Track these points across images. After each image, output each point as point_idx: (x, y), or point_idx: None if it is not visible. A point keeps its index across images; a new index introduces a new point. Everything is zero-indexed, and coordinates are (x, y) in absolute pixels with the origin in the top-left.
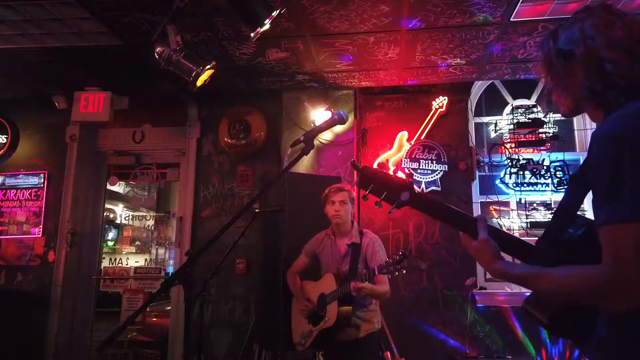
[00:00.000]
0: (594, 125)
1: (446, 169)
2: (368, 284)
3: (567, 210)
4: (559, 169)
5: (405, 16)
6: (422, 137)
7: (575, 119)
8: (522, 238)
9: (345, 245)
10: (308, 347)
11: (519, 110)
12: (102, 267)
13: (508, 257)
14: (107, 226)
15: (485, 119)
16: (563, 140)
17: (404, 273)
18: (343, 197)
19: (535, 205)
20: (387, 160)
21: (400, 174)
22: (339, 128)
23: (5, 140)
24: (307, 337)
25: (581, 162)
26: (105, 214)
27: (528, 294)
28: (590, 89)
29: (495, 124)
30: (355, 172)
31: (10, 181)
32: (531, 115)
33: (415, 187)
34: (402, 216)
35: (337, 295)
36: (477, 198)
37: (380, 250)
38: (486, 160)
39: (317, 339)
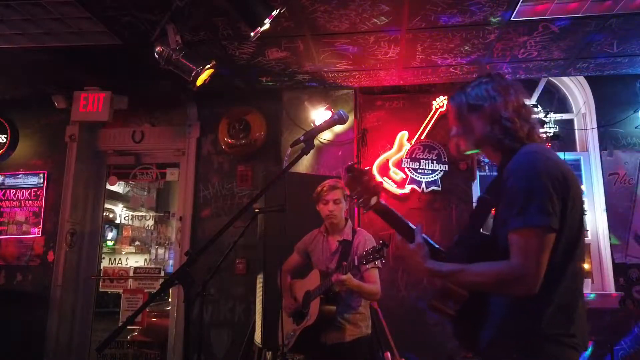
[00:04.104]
0: (594, 126)
1: (447, 168)
2: (351, 277)
3: (475, 223)
4: None
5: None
6: (422, 137)
7: (575, 119)
8: (436, 245)
9: (336, 242)
10: (290, 348)
11: None
12: (101, 267)
13: None
14: (106, 226)
15: None
16: (564, 140)
17: (383, 262)
18: (337, 196)
19: None
20: (387, 160)
21: (400, 174)
22: (339, 128)
23: (4, 139)
24: (290, 337)
25: (582, 161)
26: (104, 213)
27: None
28: (493, 136)
29: None
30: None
31: (9, 181)
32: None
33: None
34: (402, 216)
35: (320, 291)
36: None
37: None
38: (487, 160)
39: (301, 340)
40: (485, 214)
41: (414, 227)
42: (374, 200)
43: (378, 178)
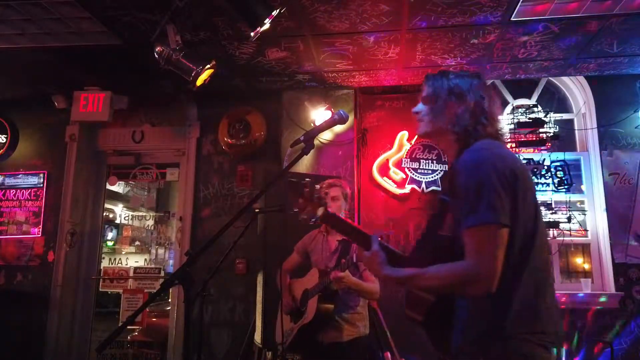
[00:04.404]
0: (594, 126)
1: (447, 168)
2: (349, 274)
3: (434, 225)
4: (560, 168)
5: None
6: None
7: (575, 119)
8: (397, 250)
9: (336, 242)
10: (288, 347)
11: (520, 110)
12: (101, 267)
13: None
14: (106, 226)
15: None
16: (563, 140)
17: None
18: (335, 193)
19: None
20: (388, 160)
21: (400, 174)
22: (339, 128)
23: (4, 140)
24: (287, 335)
25: (582, 161)
26: (104, 213)
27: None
28: (464, 125)
29: None
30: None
31: (9, 181)
32: (532, 115)
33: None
34: (402, 216)
35: (318, 289)
36: None
37: None
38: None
39: (298, 339)
40: (444, 215)
41: (370, 236)
42: (320, 211)
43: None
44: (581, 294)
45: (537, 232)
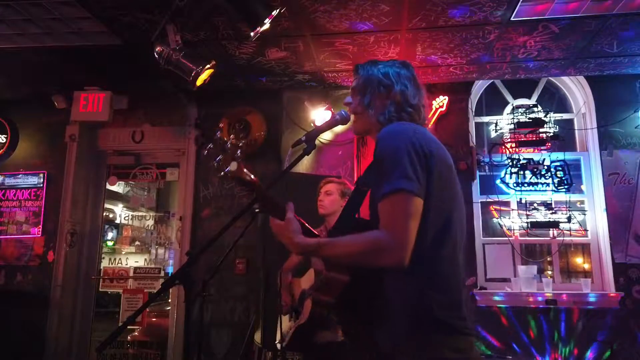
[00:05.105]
0: (594, 126)
1: None
2: None
3: (351, 211)
4: (560, 168)
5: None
6: None
7: (575, 119)
8: (312, 229)
9: None
10: (285, 346)
11: (520, 110)
12: (101, 267)
13: None
14: (106, 226)
15: (486, 119)
16: (563, 139)
17: None
18: (328, 189)
19: (535, 205)
20: None
21: None
22: (339, 128)
23: (4, 139)
24: (285, 335)
25: (582, 161)
26: (104, 213)
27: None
28: (389, 117)
29: (496, 123)
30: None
31: (9, 181)
32: (532, 115)
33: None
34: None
35: (313, 289)
36: (477, 198)
37: None
38: (486, 160)
39: (295, 339)
40: (360, 202)
41: (286, 204)
42: (233, 166)
43: None
44: (581, 294)
45: (452, 216)
